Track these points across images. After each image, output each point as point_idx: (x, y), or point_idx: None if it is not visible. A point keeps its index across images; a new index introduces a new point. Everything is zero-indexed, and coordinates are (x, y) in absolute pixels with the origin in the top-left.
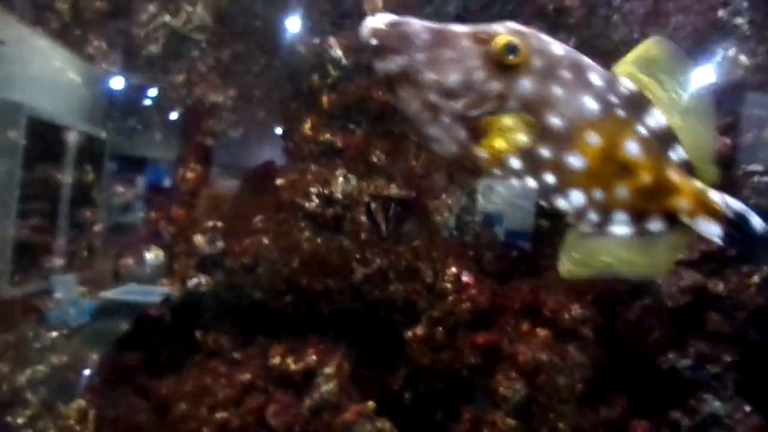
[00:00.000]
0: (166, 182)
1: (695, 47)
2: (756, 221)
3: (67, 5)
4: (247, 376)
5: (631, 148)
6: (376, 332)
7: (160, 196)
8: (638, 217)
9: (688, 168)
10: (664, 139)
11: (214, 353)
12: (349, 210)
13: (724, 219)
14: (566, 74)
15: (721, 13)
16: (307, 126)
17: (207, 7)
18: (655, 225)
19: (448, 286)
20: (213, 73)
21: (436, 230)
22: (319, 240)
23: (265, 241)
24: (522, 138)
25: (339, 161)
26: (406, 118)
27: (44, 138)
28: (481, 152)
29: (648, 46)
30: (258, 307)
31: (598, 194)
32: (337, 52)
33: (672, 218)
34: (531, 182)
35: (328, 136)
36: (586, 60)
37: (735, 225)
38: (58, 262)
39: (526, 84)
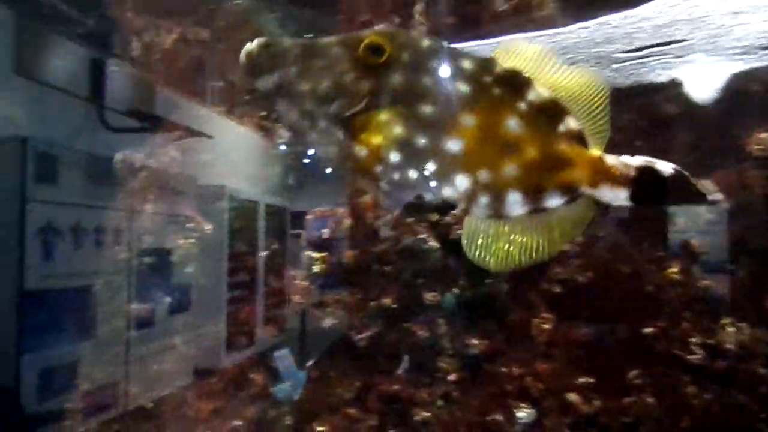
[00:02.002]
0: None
1: None
2: (662, 165)
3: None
4: None
5: (512, 125)
6: None
7: None
8: (533, 195)
9: (581, 139)
10: (550, 112)
11: None
12: (743, 361)
13: (628, 180)
14: (435, 63)
15: None
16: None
17: None
18: (553, 201)
19: None
20: None
21: None
22: (708, 396)
23: (649, 399)
24: (396, 130)
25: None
26: (288, 128)
27: (243, 214)
28: (361, 150)
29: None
30: None
31: (483, 175)
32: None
33: (572, 191)
34: (412, 174)
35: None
36: (458, 49)
37: (641, 181)
38: (268, 331)
39: (395, 78)
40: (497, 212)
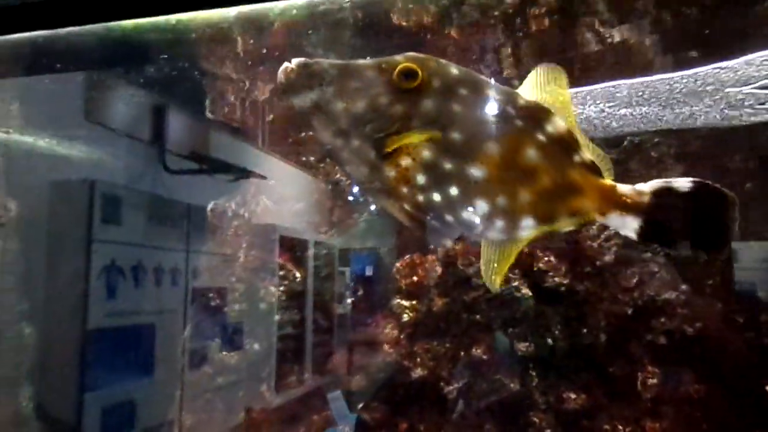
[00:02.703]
0: None
1: None
2: (680, 181)
3: None
4: None
5: (530, 155)
6: None
7: None
8: (545, 220)
9: (594, 169)
10: (565, 144)
11: None
12: None
13: (641, 208)
14: (464, 91)
15: None
16: None
17: None
18: (564, 225)
19: None
20: (663, 270)
21: None
22: None
23: None
24: (425, 153)
25: None
26: (323, 145)
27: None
28: (390, 171)
29: (539, 72)
30: None
31: (501, 201)
32: None
33: (581, 218)
34: (435, 197)
35: None
36: (484, 78)
37: (658, 205)
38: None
39: (427, 104)
40: (511, 235)
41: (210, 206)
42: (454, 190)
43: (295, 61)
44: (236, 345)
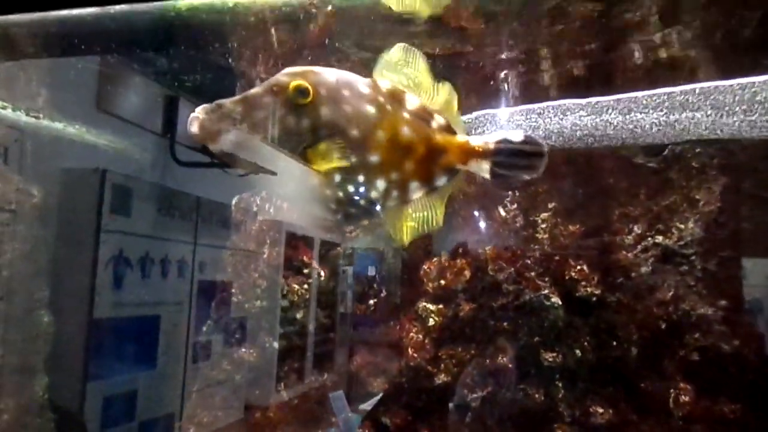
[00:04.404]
0: None
1: None
2: (513, 134)
3: (546, 234)
4: None
5: (405, 132)
6: None
7: None
8: (427, 180)
9: (449, 129)
10: (423, 115)
11: None
12: None
13: (490, 153)
14: (346, 92)
15: None
16: None
17: (700, 221)
18: (441, 181)
19: None
20: (700, 285)
21: None
22: None
23: None
24: (335, 155)
25: None
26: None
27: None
28: (319, 178)
29: (390, 53)
30: None
31: (394, 176)
32: None
33: (451, 171)
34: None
35: None
36: (352, 75)
37: (501, 151)
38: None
39: (324, 112)
40: (404, 200)
41: (234, 200)
42: (360, 178)
43: (201, 110)
44: (242, 340)
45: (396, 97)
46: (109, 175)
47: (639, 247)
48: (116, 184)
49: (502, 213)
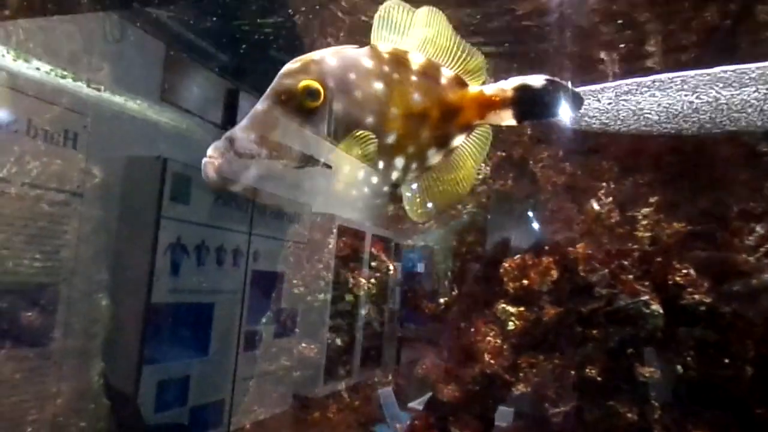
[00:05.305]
0: None
1: None
2: (533, 80)
3: (647, 233)
4: None
5: (416, 99)
6: None
7: None
8: (444, 143)
9: (460, 81)
10: (431, 73)
11: None
12: None
13: (509, 102)
14: (353, 76)
15: None
16: None
17: None
18: (458, 140)
19: None
20: None
21: None
22: None
23: None
24: (363, 152)
25: None
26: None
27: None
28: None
29: (381, 13)
30: None
31: (411, 150)
32: None
33: (469, 128)
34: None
35: None
36: (350, 51)
37: (520, 99)
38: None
39: (337, 107)
40: (422, 170)
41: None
42: (380, 163)
43: (213, 151)
44: (292, 331)
45: (399, 61)
46: (170, 164)
47: (762, 249)
48: (176, 173)
49: (596, 207)
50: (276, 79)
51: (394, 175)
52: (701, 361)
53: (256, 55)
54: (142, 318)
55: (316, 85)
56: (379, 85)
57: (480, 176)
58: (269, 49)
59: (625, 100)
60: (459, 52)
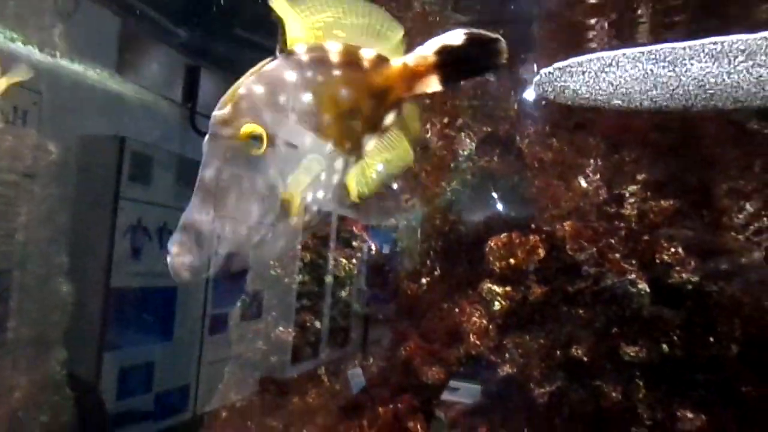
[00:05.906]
0: None
1: None
2: (453, 37)
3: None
4: None
5: (343, 95)
6: None
7: None
8: (375, 129)
9: (382, 59)
10: (351, 59)
11: None
12: None
13: (432, 68)
14: (282, 99)
15: None
16: None
17: None
18: (389, 119)
19: None
20: None
21: None
22: None
23: None
24: (309, 178)
25: None
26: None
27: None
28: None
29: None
30: None
31: (348, 145)
32: None
33: (399, 104)
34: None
35: None
36: (271, 69)
37: (444, 62)
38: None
39: (280, 143)
40: (359, 156)
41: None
42: (323, 176)
43: (176, 247)
44: (258, 313)
45: (319, 60)
46: (128, 143)
47: (751, 228)
48: (136, 152)
49: (583, 184)
50: (211, 132)
51: (335, 178)
52: (687, 341)
53: (217, 31)
54: (102, 303)
55: (258, 129)
56: (308, 97)
57: (465, 153)
58: (231, 26)
59: (606, 72)
60: (378, 27)
